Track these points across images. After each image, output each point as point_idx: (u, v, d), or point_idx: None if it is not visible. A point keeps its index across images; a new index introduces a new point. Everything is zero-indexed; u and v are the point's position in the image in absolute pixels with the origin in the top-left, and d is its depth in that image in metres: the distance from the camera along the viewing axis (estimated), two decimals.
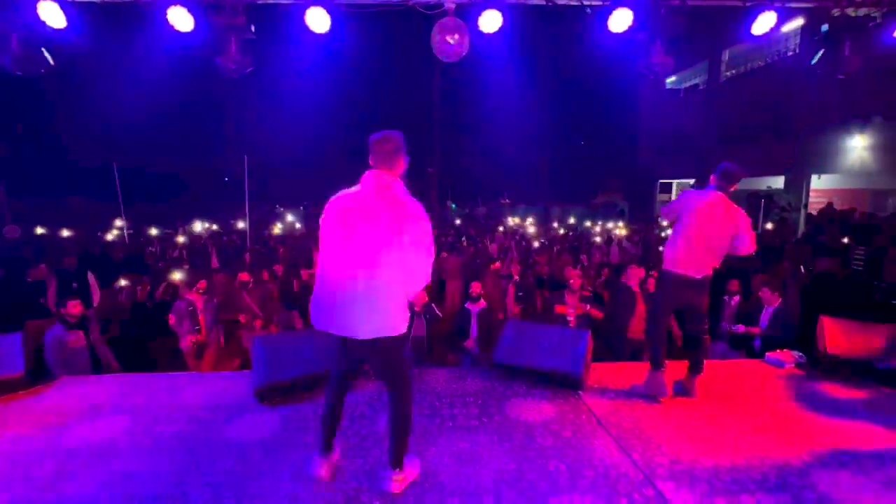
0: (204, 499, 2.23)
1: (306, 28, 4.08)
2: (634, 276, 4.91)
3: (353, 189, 2.14)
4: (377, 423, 2.95)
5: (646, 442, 2.72)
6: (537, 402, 3.25)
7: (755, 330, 4.46)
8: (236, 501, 2.22)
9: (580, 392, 3.37)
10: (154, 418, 3.02)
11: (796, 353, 3.87)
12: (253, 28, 4.21)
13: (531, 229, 13.63)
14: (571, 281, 4.94)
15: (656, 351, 3.24)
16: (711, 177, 3.06)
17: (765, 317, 4.49)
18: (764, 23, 3.77)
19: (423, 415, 3.06)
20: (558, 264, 7.46)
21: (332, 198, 2.15)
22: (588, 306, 4.85)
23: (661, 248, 8.92)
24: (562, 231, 13.88)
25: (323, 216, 2.14)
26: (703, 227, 3.02)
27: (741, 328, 4.54)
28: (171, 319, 4.72)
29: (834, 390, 3.42)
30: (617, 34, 3.90)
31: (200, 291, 4.84)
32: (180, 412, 3.10)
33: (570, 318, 4.77)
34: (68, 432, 2.86)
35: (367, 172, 2.14)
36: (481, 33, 4.10)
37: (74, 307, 4.03)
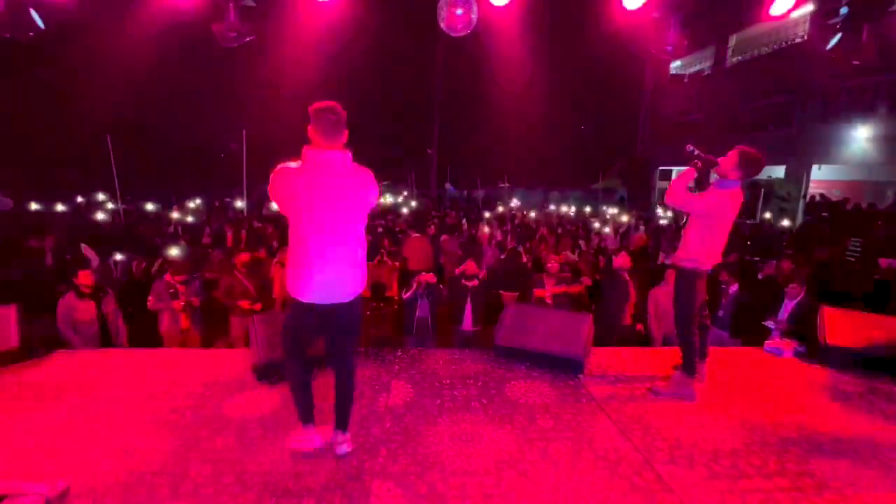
0: (203, 475, 2.22)
1: None
2: (622, 263, 4.99)
3: (312, 166, 2.14)
4: (376, 402, 2.94)
5: (646, 426, 2.73)
6: (538, 384, 3.25)
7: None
8: (236, 478, 2.20)
9: (580, 376, 3.37)
10: (151, 394, 2.99)
11: (795, 342, 3.88)
12: None
13: (531, 214, 13.55)
14: (549, 265, 5.03)
15: (691, 357, 3.06)
16: (728, 168, 2.87)
17: (786, 309, 4.33)
18: (782, 3, 3.64)
19: (424, 395, 3.05)
20: (558, 250, 7.43)
21: (295, 179, 2.13)
22: (564, 286, 4.89)
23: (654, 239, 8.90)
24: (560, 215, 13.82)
25: (294, 193, 2.13)
26: (729, 223, 2.94)
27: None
28: (151, 301, 4.61)
29: (832, 379, 3.44)
30: (631, 12, 3.77)
31: (180, 282, 4.71)
32: (178, 388, 3.08)
33: (548, 300, 4.85)
34: (65, 406, 2.83)
35: (328, 152, 2.14)
36: (488, 6, 3.96)
37: (86, 277, 4.06)
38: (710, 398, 3.08)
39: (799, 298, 4.25)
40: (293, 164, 2.17)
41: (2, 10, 3.54)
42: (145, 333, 4.72)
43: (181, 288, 4.66)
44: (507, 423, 2.74)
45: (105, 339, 4.15)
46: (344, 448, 2.37)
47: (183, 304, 4.61)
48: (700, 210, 2.94)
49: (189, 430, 2.60)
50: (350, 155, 2.20)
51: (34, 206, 12.43)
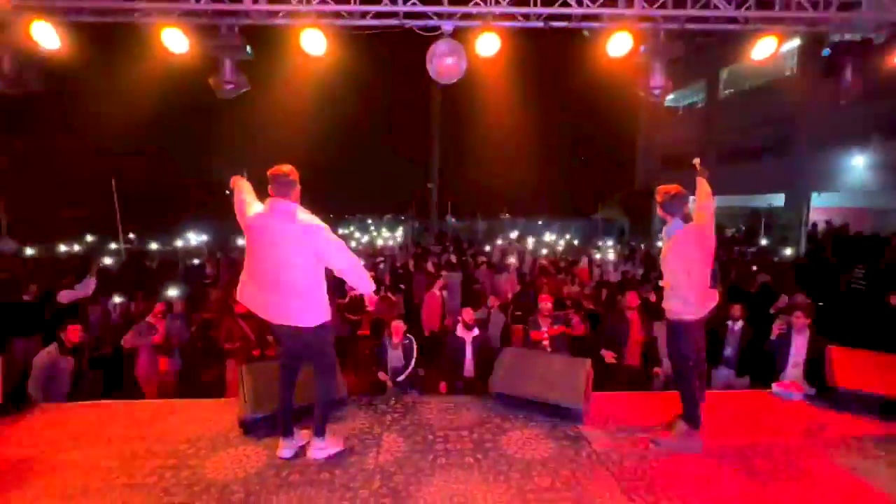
0: None
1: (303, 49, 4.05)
2: (631, 301, 4.77)
3: (264, 211, 2.61)
4: (366, 459, 2.81)
5: (649, 483, 2.57)
6: (535, 436, 3.10)
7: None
8: None
9: (580, 425, 3.22)
10: (132, 452, 2.87)
11: (805, 385, 3.72)
12: (249, 49, 4.18)
13: (530, 246, 13.53)
14: (542, 305, 4.76)
15: (691, 408, 2.92)
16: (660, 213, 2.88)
17: (796, 346, 4.03)
18: (764, 47, 3.71)
19: (416, 450, 2.92)
20: (555, 285, 7.34)
21: (251, 216, 2.64)
22: (562, 326, 4.71)
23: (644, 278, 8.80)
24: (559, 249, 13.79)
25: (247, 230, 2.65)
26: (696, 264, 2.77)
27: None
28: (127, 342, 4.50)
29: (845, 425, 3.27)
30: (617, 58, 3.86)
31: (159, 316, 4.67)
32: (160, 444, 2.96)
33: (545, 342, 4.60)
34: (41, 467, 2.71)
35: (270, 199, 2.61)
36: (478, 55, 4.07)
37: (74, 332, 3.94)
38: (716, 449, 2.92)
39: (808, 336, 4.06)
40: (260, 205, 2.66)
41: (7, 69, 3.67)
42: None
43: (161, 329, 4.59)
44: (502, 481, 2.60)
45: (76, 392, 3.94)
46: (307, 450, 2.82)
47: (161, 340, 4.51)
48: (668, 268, 2.85)
49: (168, 494, 2.47)
50: (294, 206, 2.59)
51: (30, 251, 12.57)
